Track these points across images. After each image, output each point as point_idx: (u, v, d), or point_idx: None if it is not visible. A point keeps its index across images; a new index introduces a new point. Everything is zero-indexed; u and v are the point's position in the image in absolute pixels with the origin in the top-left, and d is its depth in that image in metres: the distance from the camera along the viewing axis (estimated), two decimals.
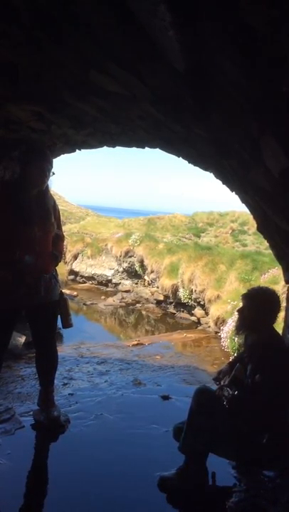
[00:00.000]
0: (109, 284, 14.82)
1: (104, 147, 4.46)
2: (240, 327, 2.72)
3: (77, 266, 15.64)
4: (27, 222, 2.94)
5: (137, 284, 14.01)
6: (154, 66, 1.78)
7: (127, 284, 14.25)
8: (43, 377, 3.35)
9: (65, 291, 12.74)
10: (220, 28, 1.28)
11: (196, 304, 10.49)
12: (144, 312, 11.75)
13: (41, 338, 3.30)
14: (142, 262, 13.53)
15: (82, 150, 4.59)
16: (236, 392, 2.47)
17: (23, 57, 2.10)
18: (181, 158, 3.77)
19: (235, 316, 2.86)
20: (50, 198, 3.19)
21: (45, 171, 3.00)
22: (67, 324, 3.36)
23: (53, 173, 3.06)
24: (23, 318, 3.31)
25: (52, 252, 3.19)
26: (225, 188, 3.57)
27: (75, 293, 13.00)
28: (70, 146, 4.28)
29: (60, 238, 3.32)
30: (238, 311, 2.73)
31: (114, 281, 14.76)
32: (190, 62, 1.58)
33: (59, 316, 3.33)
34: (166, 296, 11.79)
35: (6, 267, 2.90)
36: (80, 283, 15.20)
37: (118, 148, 4.53)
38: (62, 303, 3.29)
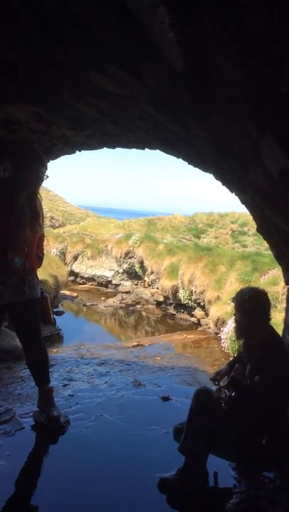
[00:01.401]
0: (109, 285, 14.82)
1: (104, 148, 4.46)
2: (239, 334, 2.75)
3: (77, 267, 15.64)
4: (20, 224, 3.00)
5: (137, 285, 14.01)
6: (154, 66, 1.78)
7: (127, 285, 14.25)
8: (36, 374, 3.36)
9: (65, 292, 12.81)
10: (220, 28, 1.27)
11: (196, 305, 10.49)
12: (144, 313, 11.74)
13: (26, 335, 3.34)
14: (141, 262, 13.53)
15: (82, 151, 4.59)
16: (233, 394, 2.46)
17: (22, 58, 2.10)
18: (180, 159, 3.77)
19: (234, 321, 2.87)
20: (38, 198, 3.25)
21: (40, 174, 3.07)
22: (48, 320, 3.45)
23: (47, 177, 3.13)
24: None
25: (37, 253, 3.26)
26: (225, 189, 3.57)
27: (75, 294, 12.99)
28: (70, 147, 4.28)
29: (41, 238, 3.38)
30: (234, 320, 2.75)
31: (114, 282, 14.76)
32: (189, 62, 1.58)
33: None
34: (166, 297, 11.79)
35: None
36: (80, 284, 15.20)
37: (118, 150, 4.54)
38: (44, 300, 3.35)
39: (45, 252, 3.51)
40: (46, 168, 3.12)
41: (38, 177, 3.09)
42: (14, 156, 3.10)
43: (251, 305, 2.56)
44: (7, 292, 3.02)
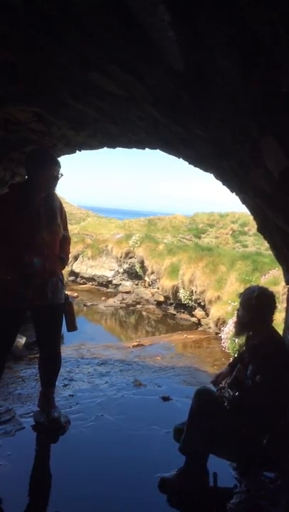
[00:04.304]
0: (110, 285, 14.82)
1: (105, 148, 4.46)
2: (238, 330, 2.74)
3: (77, 267, 15.63)
4: (36, 226, 2.96)
5: (137, 285, 14.01)
6: (154, 67, 1.78)
7: (128, 285, 14.24)
8: (45, 379, 3.35)
9: (66, 292, 12.77)
10: (220, 28, 1.27)
11: (196, 305, 10.48)
12: (144, 313, 11.74)
13: (45, 340, 3.31)
14: (142, 263, 13.53)
15: (82, 151, 4.59)
16: (236, 393, 2.46)
17: (22, 58, 2.10)
18: (181, 159, 3.77)
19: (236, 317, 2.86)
20: (56, 199, 3.20)
21: (56, 174, 3.01)
22: (72, 327, 3.39)
23: (62, 175, 3.07)
24: (26, 320, 3.33)
25: (59, 254, 3.20)
26: (225, 189, 3.57)
27: (76, 294, 12.99)
28: (70, 147, 4.28)
29: (66, 240, 3.33)
30: (236, 315, 2.74)
31: (114, 282, 14.75)
32: (189, 62, 1.58)
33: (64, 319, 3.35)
34: (167, 297, 11.79)
35: (15, 269, 2.91)
36: (80, 284, 15.20)
37: (118, 149, 4.53)
38: (68, 306, 3.31)
39: None
40: (60, 167, 3.07)
41: (54, 177, 3.03)
42: (27, 158, 3.05)
43: (257, 303, 2.55)
44: (29, 295, 2.98)
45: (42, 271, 2.99)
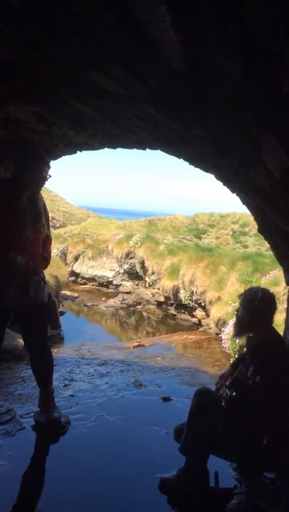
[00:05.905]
0: (110, 286, 14.83)
1: (106, 148, 4.46)
2: (238, 331, 2.73)
3: (78, 267, 15.66)
4: (21, 223, 2.98)
5: (137, 285, 14.02)
6: (154, 66, 1.78)
7: (128, 285, 14.26)
8: (40, 378, 3.35)
9: (66, 292, 12.81)
10: (220, 27, 1.27)
11: (196, 306, 10.49)
12: (144, 313, 11.75)
13: (32, 339, 3.32)
14: (142, 263, 13.54)
15: (82, 151, 4.59)
16: (234, 393, 2.46)
17: (22, 58, 2.10)
18: (181, 159, 3.77)
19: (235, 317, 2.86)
20: (41, 198, 3.23)
21: (44, 174, 3.04)
22: (56, 325, 3.41)
23: (50, 176, 3.10)
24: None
25: (42, 253, 3.23)
26: (226, 189, 3.57)
27: (76, 294, 13.01)
28: (71, 148, 4.28)
29: (49, 240, 3.35)
30: (236, 316, 2.73)
31: (115, 282, 14.77)
32: (190, 61, 1.58)
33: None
34: (167, 298, 11.80)
35: None
36: (80, 284, 15.22)
37: (119, 150, 4.54)
38: (51, 304, 3.32)
39: None
40: (49, 168, 3.10)
41: (42, 177, 3.06)
42: (17, 156, 3.08)
43: (262, 304, 2.54)
44: (13, 294, 2.98)
45: (26, 269, 3.00)
